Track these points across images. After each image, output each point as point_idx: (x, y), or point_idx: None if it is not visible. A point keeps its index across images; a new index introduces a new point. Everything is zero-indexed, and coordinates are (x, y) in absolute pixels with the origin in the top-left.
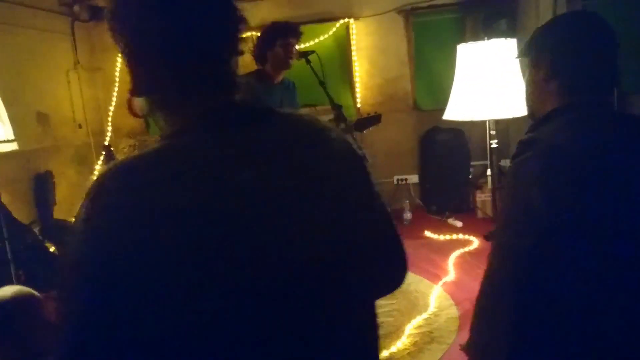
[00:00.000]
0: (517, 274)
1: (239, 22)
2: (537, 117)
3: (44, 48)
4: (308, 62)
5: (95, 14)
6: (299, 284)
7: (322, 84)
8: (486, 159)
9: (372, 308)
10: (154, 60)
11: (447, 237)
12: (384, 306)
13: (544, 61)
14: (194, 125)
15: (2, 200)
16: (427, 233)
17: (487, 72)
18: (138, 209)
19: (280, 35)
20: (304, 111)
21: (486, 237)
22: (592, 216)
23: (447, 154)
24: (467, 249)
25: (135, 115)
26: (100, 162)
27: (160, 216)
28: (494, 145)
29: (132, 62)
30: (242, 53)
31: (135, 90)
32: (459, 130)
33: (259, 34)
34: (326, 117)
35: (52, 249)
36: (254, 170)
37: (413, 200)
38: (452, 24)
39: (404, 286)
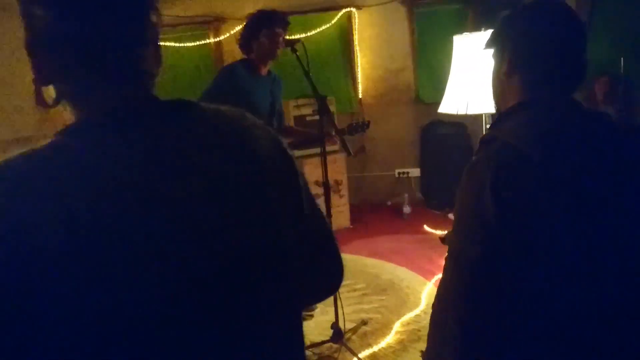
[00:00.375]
0: (461, 284)
1: (149, 6)
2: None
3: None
4: (294, 51)
5: None
6: (206, 288)
7: (307, 74)
8: None
9: (295, 315)
10: (55, 47)
11: (446, 232)
12: (373, 302)
13: (506, 53)
14: (95, 119)
15: None
16: (426, 228)
17: (483, 64)
18: (18, 212)
19: (266, 25)
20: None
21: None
22: (543, 237)
23: (448, 147)
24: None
25: (45, 105)
26: None
27: (43, 221)
28: None
29: (33, 48)
30: (156, 42)
31: (37, 79)
32: (460, 123)
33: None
34: (310, 109)
35: None
36: (154, 170)
37: (414, 194)
38: (454, 15)
39: (395, 281)
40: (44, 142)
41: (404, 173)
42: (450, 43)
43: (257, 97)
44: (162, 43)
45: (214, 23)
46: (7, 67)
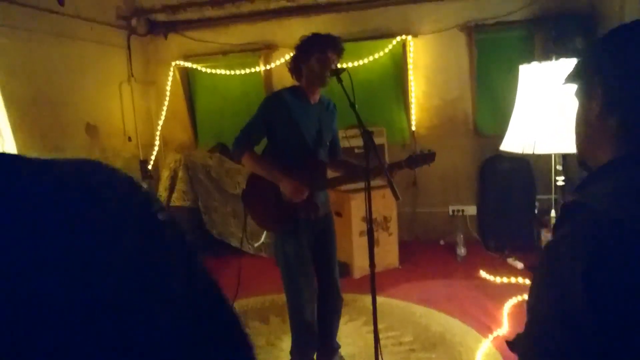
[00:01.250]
0: None
1: None
2: (588, 167)
3: (98, 60)
4: (339, 80)
5: (153, 28)
6: None
7: (352, 105)
8: (554, 193)
9: None
10: None
11: (505, 279)
12: (421, 359)
13: (597, 90)
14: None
15: None
16: (482, 273)
17: (553, 97)
18: None
19: (318, 48)
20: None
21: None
22: None
23: (509, 185)
24: (527, 296)
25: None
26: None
27: None
28: (560, 183)
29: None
30: None
31: None
32: (523, 159)
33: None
34: (360, 141)
35: None
36: None
37: (469, 233)
38: (519, 42)
39: (447, 336)
40: None
41: (458, 210)
42: (514, 72)
43: (303, 124)
44: (212, 70)
45: (265, 50)
46: (60, 92)
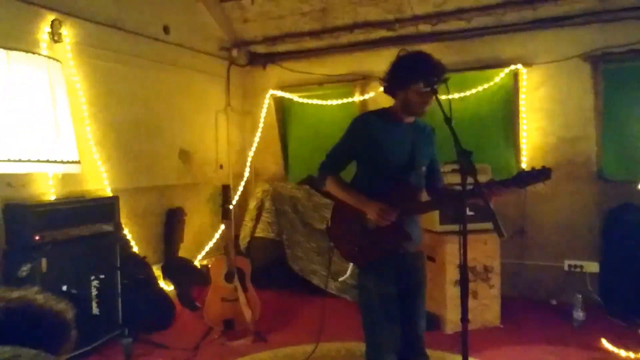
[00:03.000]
0: None
1: None
2: None
3: (198, 88)
4: (434, 91)
5: (253, 59)
6: None
7: (448, 120)
8: None
9: None
10: None
11: (633, 355)
12: None
13: None
14: None
15: (127, 231)
16: (605, 343)
17: None
18: None
19: (422, 78)
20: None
21: None
22: None
23: None
24: None
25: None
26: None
27: None
28: None
29: None
30: None
31: None
32: None
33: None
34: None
35: (169, 287)
36: None
37: (589, 295)
38: None
39: None
40: None
41: (576, 266)
42: None
43: (390, 145)
44: (306, 100)
45: (361, 81)
46: (157, 116)
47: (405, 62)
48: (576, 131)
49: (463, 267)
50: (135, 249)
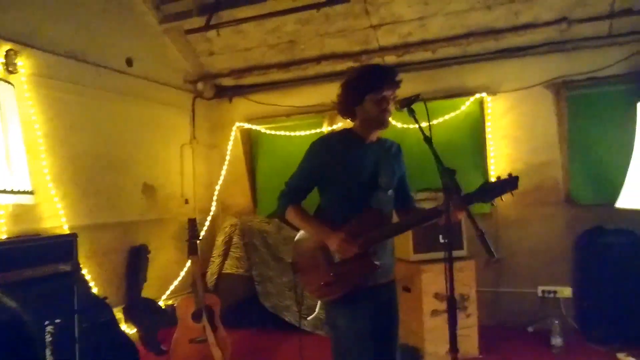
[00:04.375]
0: None
1: None
2: None
3: (162, 121)
4: (411, 112)
5: (219, 92)
6: None
7: (427, 140)
8: None
9: None
10: None
11: None
12: None
13: None
14: None
15: (85, 271)
16: None
17: None
18: None
19: (371, 88)
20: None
21: None
22: None
23: (615, 262)
24: None
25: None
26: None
27: None
28: None
29: None
30: None
31: None
32: (631, 232)
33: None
34: (433, 204)
35: (131, 330)
36: None
37: (564, 320)
38: (619, 97)
39: None
40: None
41: (550, 292)
42: (616, 130)
43: (352, 166)
44: (274, 132)
45: (329, 112)
46: (120, 150)
47: (352, 78)
48: (543, 157)
49: (450, 294)
50: (95, 289)
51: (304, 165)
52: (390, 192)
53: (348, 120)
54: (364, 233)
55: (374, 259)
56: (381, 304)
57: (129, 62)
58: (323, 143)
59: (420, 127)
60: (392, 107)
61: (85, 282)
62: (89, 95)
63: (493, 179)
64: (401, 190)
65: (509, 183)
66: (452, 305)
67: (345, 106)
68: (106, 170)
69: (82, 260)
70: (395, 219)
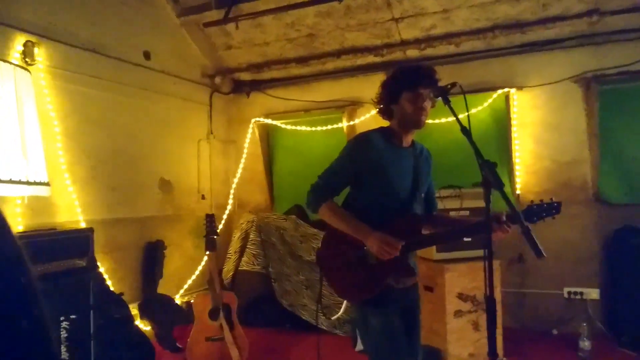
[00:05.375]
0: None
1: None
2: None
3: (179, 116)
4: (447, 101)
5: (237, 86)
6: None
7: (466, 131)
8: None
9: None
10: None
11: None
12: None
13: None
14: None
15: (101, 266)
16: None
17: None
18: None
19: (408, 85)
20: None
21: None
22: None
23: None
24: None
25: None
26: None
27: None
28: None
29: None
30: None
31: None
32: None
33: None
34: (457, 202)
35: (147, 327)
36: None
37: (592, 323)
38: None
39: None
40: None
41: (576, 293)
42: None
43: (395, 172)
44: (292, 127)
45: (349, 107)
46: (137, 144)
47: (390, 77)
48: (571, 154)
49: (489, 298)
50: (111, 285)
51: (342, 161)
52: (422, 196)
53: (370, 116)
54: (403, 237)
55: (409, 263)
56: (407, 305)
57: (147, 56)
58: (366, 140)
59: (457, 117)
60: (429, 106)
61: (101, 278)
62: (107, 89)
63: (537, 202)
64: (428, 195)
65: (554, 208)
66: (492, 308)
67: (383, 104)
68: (123, 164)
69: (98, 255)
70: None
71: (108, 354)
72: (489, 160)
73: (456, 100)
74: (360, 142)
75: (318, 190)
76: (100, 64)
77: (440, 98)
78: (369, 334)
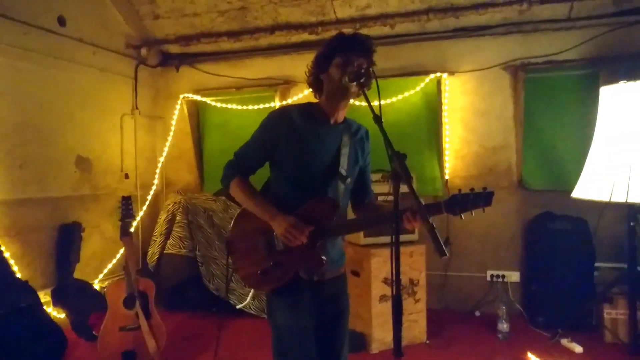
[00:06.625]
0: None
1: None
2: None
3: (101, 88)
4: (362, 86)
5: (165, 59)
6: None
7: (377, 119)
8: (619, 261)
9: None
10: None
11: None
12: None
13: None
14: None
15: (5, 251)
16: (530, 356)
17: None
18: None
19: (339, 50)
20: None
21: None
22: None
23: (562, 249)
24: None
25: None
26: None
27: None
28: None
29: None
30: None
31: None
32: (579, 218)
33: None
34: (385, 187)
35: (60, 315)
36: None
37: (512, 305)
38: (577, 82)
39: None
40: None
41: (498, 276)
42: (571, 116)
43: (312, 148)
44: (223, 105)
45: (283, 85)
46: (50, 118)
47: (324, 44)
48: (498, 140)
49: (396, 297)
50: (17, 271)
51: (257, 135)
52: (349, 181)
53: (304, 95)
54: (314, 223)
55: (322, 253)
56: (326, 299)
57: (62, 22)
58: (283, 114)
59: (370, 104)
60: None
61: (5, 263)
62: (13, 56)
63: (464, 191)
64: (360, 182)
65: (483, 198)
66: (398, 308)
67: (313, 75)
68: (32, 139)
69: (1, 239)
70: (349, 213)
71: (13, 345)
72: (399, 152)
73: (387, 84)
74: (275, 115)
75: (230, 165)
76: (7, 29)
77: (355, 83)
78: (274, 331)
